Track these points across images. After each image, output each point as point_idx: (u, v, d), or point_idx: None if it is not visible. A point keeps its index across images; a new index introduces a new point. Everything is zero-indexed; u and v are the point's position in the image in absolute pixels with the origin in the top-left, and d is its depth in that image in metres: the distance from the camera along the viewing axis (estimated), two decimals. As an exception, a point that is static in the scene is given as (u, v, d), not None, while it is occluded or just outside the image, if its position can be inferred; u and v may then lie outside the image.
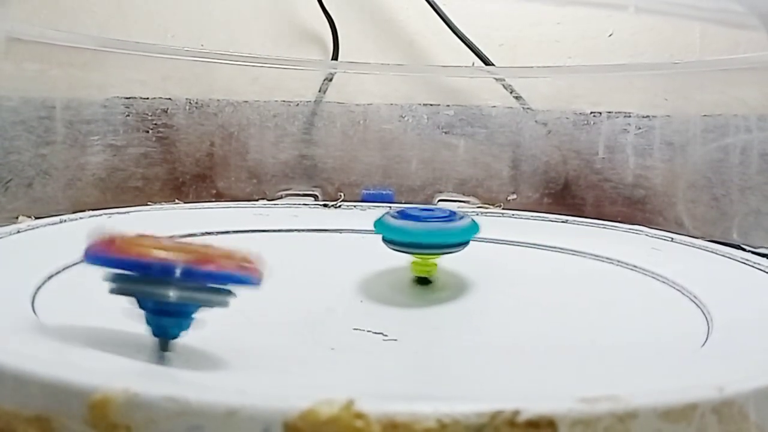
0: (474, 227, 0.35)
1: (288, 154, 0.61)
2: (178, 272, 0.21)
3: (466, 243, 0.35)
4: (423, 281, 0.37)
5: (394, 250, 0.35)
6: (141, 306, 0.22)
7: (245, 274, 0.22)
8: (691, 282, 0.35)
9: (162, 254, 0.21)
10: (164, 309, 0.22)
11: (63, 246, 0.39)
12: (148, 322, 0.23)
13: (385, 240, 0.35)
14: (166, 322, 0.22)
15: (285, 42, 0.62)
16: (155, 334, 0.23)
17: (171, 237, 0.44)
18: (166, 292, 0.21)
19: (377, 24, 0.63)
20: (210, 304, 0.22)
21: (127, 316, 0.25)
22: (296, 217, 0.52)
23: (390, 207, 0.56)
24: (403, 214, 0.35)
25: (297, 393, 0.18)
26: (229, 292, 0.22)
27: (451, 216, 0.35)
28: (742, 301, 0.34)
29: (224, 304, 0.23)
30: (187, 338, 0.23)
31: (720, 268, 0.40)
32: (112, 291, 0.22)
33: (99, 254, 0.21)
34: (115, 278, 0.22)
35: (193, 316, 0.23)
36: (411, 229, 0.34)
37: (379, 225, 0.35)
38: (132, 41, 0.57)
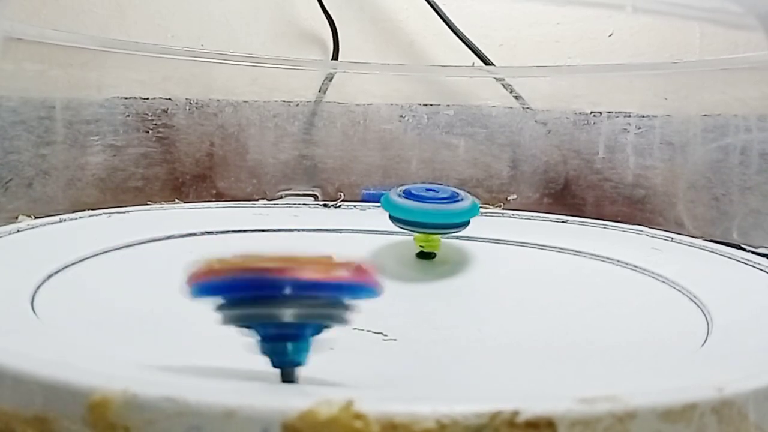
0: (473, 209, 0.37)
1: (288, 154, 0.61)
2: (291, 286, 0.19)
3: (465, 224, 0.37)
4: (425, 255, 0.39)
5: (398, 227, 0.37)
6: (258, 334, 0.20)
7: (365, 284, 0.19)
8: (691, 282, 0.35)
9: (271, 266, 0.18)
10: (282, 333, 0.20)
11: (63, 245, 0.39)
12: (266, 353, 0.20)
13: (390, 217, 0.37)
14: (287, 348, 0.20)
15: (285, 42, 0.62)
16: (275, 366, 0.20)
17: (169, 238, 0.44)
18: (281, 311, 0.19)
19: (377, 24, 0.63)
20: (330, 321, 0.20)
21: (126, 316, 0.25)
22: (296, 217, 0.52)
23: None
24: (407, 194, 0.36)
25: (296, 393, 0.18)
26: (347, 307, 0.20)
27: (453, 197, 0.37)
28: (742, 301, 0.34)
29: (344, 321, 0.20)
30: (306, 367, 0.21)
31: (720, 268, 0.40)
32: (225, 322, 0.20)
33: (205, 284, 0.19)
34: (225, 307, 0.20)
35: (312, 338, 0.20)
36: (413, 208, 0.35)
37: (386, 202, 0.37)
38: (132, 41, 0.57)
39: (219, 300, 0.20)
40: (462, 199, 0.37)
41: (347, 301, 0.20)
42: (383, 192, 0.60)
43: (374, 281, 0.20)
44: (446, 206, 0.36)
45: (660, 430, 0.18)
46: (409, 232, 0.38)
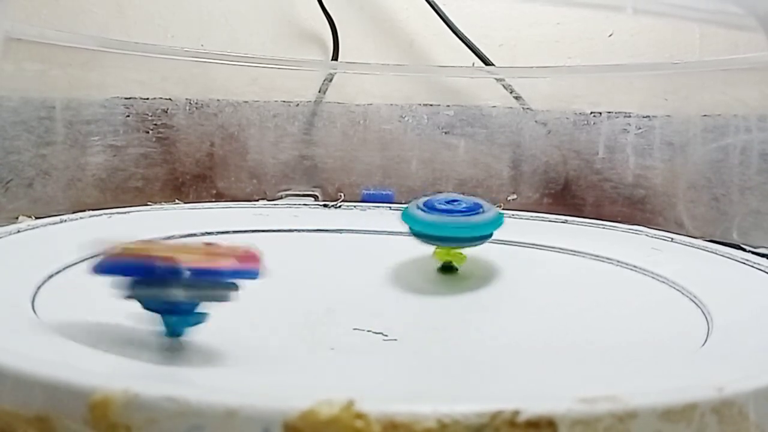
0: (498, 220, 0.36)
1: (288, 155, 0.61)
2: (180, 272, 0.21)
3: (488, 236, 0.36)
4: (447, 269, 0.38)
5: (420, 240, 0.36)
6: (146, 307, 0.23)
7: (244, 269, 0.22)
8: (691, 282, 0.35)
9: (163, 256, 0.21)
10: (168, 308, 0.23)
11: (63, 246, 0.39)
12: (158, 322, 0.23)
13: (411, 231, 0.36)
14: (172, 320, 0.23)
15: (285, 42, 0.62)
16: (165, 334, 0.24)
17: (169, 238, 0.44)
18: (171, 292, 0.22)
19: (377, 24, 0.63)
20: (211, 300, 0.23)
21: (126, 316, 0.25)
22: (296, 217, 0.52)
23: (390, 207, 0.56)
24: (428, 206, 0.36)
25: (297, 393, 0.18)
26: (231, 287, 0.23)
27: (476, 208, 0.36)
28: (742, 301, 0.34)
29: (225, 299, 0.23)
30: (188, 338, 0.24)
31: (720, 268, 0.40)
32: (123, 297, 0.23)
33: (106, 265, 0.22)
34: (123, 285, 0.23)
35: (196, 311, 0.23)
36: (435, 222, 0.35)
37: (406, 216, 0.36)
38: (132, 41, 0.57)
39: (119, 279, 0.23)
40: (485, 211, 0.36)
41: (230, 283, 0.22)
42: (383, 192, 0.60)
43: (256, 266, 0.22)
44: (470, 218, 0.35)
45: (660, 430, 0.18)
46: (430, 245, 0.37)
